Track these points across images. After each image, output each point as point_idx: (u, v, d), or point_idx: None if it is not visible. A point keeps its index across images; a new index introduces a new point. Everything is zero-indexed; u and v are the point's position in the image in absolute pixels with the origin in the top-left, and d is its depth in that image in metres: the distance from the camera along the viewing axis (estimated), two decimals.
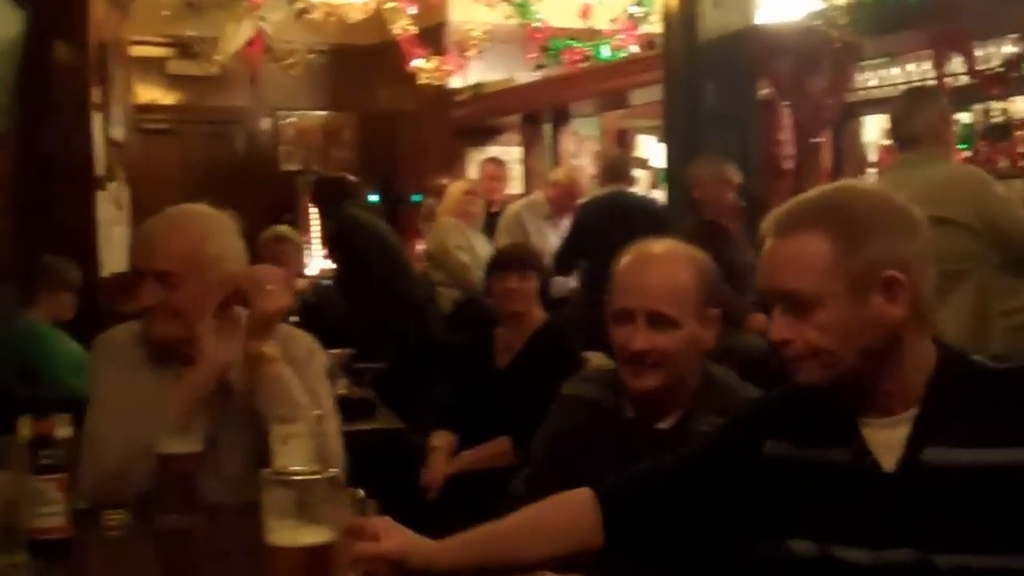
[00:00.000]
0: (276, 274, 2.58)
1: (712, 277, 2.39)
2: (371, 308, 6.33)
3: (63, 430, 2.35)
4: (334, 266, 7.20)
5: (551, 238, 7.04)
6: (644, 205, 6.78)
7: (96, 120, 6.99)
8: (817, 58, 6.08)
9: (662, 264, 2.36)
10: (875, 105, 7.06)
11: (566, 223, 7.09)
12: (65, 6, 6.67)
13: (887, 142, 6.78)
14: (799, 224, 1.75)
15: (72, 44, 6.78)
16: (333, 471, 1.66)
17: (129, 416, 2.51)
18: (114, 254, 7.28)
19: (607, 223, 6.09)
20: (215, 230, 2.64)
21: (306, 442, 2.23)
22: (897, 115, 4.43)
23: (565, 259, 6.62)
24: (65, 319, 5.55)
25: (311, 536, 1.62)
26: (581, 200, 7.15)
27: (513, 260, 4.49)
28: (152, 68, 10.10)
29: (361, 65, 10.83)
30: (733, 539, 1.89)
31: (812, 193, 1.83)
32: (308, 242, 8.40)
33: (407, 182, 10.57)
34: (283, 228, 7.01)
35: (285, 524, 1.61)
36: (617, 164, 6.99)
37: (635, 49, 8.46)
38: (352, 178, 7.54)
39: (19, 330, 5.37)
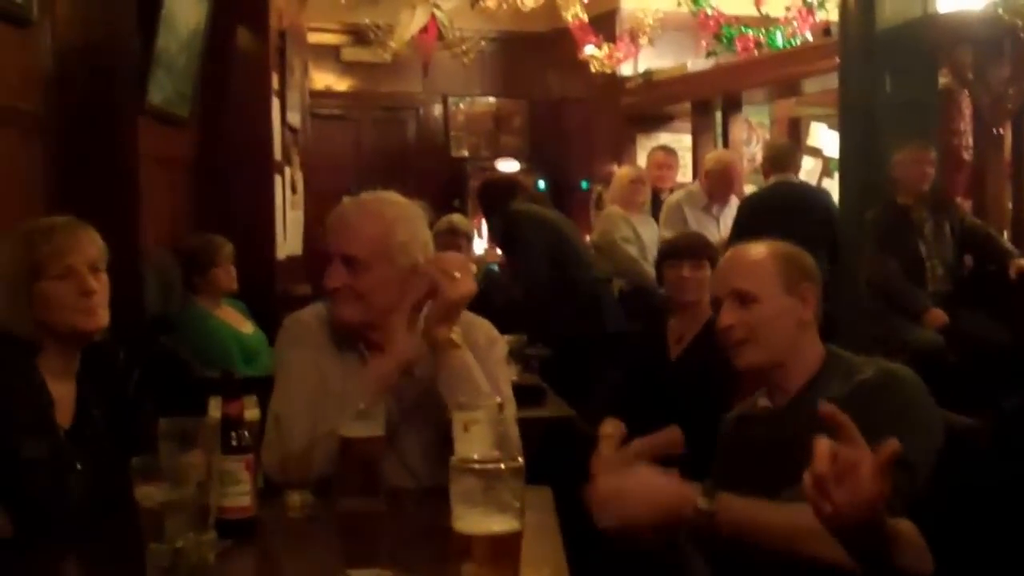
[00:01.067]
0: (462, 262, 2.60)
1: (799, 259, 2.48)
2: (544, 296, 6.31)
3: (251, 411, 2.40)
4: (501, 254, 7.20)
5: (710, 228, 6.89)
6: (810, 196, 6.61)
7: (274, 106, 7.14)
8: (999, 47, 5.88)
9: (742, 251, 2.51)
10: None
11: (728, 212, 6.98)
12: None
13: None
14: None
15: (253, 32, 6.94)
16: (519, 460, 1.65)
17: (314, 398, 2.55)
18: (290, 238, 7.44)
19: (771, 216, 5.95)
20: (405, 218, 2.67)
21: (487, 429, 2.24)
22: None
23: None
24: (228, 293, 5.60)
25: (499, 524, 1.62)
26: (746, 191, 7.04)
27: (686, 249, 4.44)
28: (327, 55, 10.30)
29: (532, 52, 10.86)
30: None
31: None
32: (478, 226, 8.45)
33: (575, 169, 10.57)
34: (457, 218, 7.05)
35: (473, 512, 1.62)
36: (782, 154, 6.80)
37: (809, 37, 8.30)
38: (518, 177, 7.54)
39: (190, 315, 5.48)
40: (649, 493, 2.05)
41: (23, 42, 4.37)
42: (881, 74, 5.62)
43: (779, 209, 6.10)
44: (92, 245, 2.61)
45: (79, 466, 2.43)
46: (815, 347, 2.41)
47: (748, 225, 6.10)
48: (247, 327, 5.56)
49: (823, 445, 1.66)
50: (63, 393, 2.54)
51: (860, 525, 1.69)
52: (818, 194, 6.88)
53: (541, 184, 9.72)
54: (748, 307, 2.39)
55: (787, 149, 7.11)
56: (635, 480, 2.08)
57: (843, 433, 1.68)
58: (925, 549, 1.87)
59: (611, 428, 4.18)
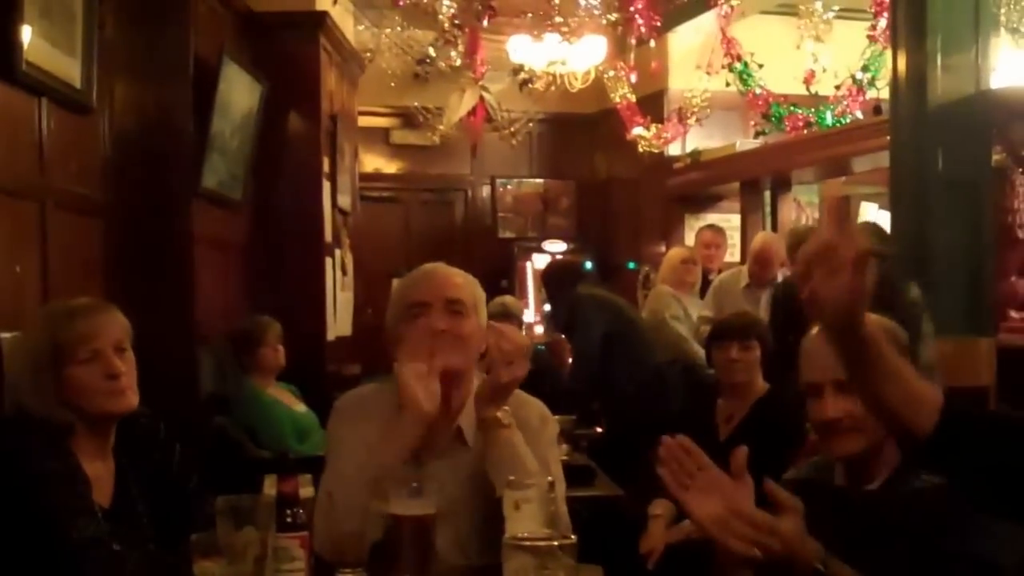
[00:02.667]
0: (522, 346, 2.61)
1: (897, 335, 2.38)
2: (595, 380, 6.32)
3: (306, 489, 2.42)
4: (563, 338, 7.22)
5: (750, 309, 6.81)
6: None
7: (325, 188, 7.24)
8: None
9: None
10: None
11: (767, 294, 6.96)
12: (300, 79, 6.96)
13: None
14: None
15: (305, 116, 7.06)
16: (571, 538, 1.65)
17: (359, 475, 2.56)
18: (340, 319, 7.50)
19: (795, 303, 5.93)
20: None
21: (538, 508, 2.23)
22: None
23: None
24: (278, 372, 5.66)
25: None
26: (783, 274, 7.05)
27: (735, 330, 4.44)
28: (377, 138, 10.43)
29: (580, 133, 10.95)
30: None
31: None
32: (526, 306, 8.48)
33: (623, 249, 10.60)
34: (510, 300, 7.11)
35: None
36: (803, 239, 6.83)
37: (859, 115, 8.31)
38: (583, 262, 7.61)
39: (245, 394, 5.54)
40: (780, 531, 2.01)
41: (83, 128, 4.49)
42: (933, 152, 5.59)
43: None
44: (116, 325, 2.63)
45: (116, 546, 2.44)
46: None
47: (780, 308, 6.05)
48: (299, 407, 5.61)
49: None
50: (101, 472, 2.55)
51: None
52: None
53: (588, 264, 9.76)
54: (852, 394, 2.26)
55: (808, 232, 7.20)
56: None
57: None
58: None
59: (660, 509, 4.17)
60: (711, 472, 2.12)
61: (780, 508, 2.03)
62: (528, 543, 1.64)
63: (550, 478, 2.42)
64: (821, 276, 1.75)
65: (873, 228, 7.21)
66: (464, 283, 2.73)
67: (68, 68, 4.20)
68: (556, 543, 1.64)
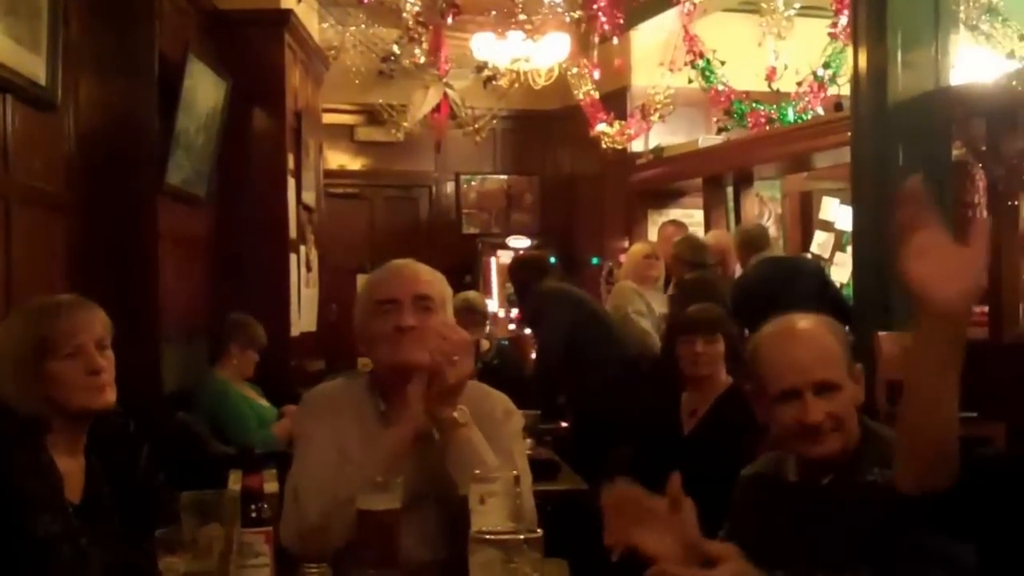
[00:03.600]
0: (463, 343, 2.62)
1: (845, 335, 2.44)
2: (558, 374, 6.35)
3: (270, 484, 2.43)
4: (528, 333, 7.25)
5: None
6: (799, 263, 6.77)
7: (290, 185, 7.23)
8: (1013, 118, 5.92)
9: (809, 335, 2.40)
10: None
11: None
12: (264, 77, 6.96)
13: None
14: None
15: (270, 113, 7.05)
16: (537, 532, 1.67)
17: (332, 470, 2.58)
18: (304, 315, 7.50)
19: (769, 290, 6.06)
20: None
21: (503, 501, 2.26)
22: None
23: None
24: (246, 376, 5.72)
25: None
26: (734, 275, 7.17)
27: (699, 323, 4.47)
28: (342, 134, 10.41)
29: (543, 129, 10.97)
30: None
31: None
32: (490, 300, 8.49)
33: (586, 244, 10.63)
34: (473, 295, 7.15)
35: None
36: (754, 236, 7.25)
37: (821, 111, 8.38)
38: (548, 256, 7.65)
39: (211, 387, 5.56)
40: None
41: (47, 125, 4.47)
42: (894, 147, 5.64)
43: (775, 280, 6.22)
44: (99, 323, 2.62)
45: (84, 541, 2.44)
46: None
47: (747, 306, 6.09)
48: (263, 402, 5.65)
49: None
50: (72, 468, 2.55)
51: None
52: (806, 261, 7.01)
53: (552, 260, 9.79)
54: (830, 397, 2.30)
55: (757, 230, 7.49)
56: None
57: None
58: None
59: (611, 498, 4.18)
60: (656, 508, 2.14)
61: (717, 559, 2.05)
62: (494, 537, 1.65)
63: (515, 472, 2.44)
64: (931, 263, 1.72)
65: (689, 241, 7.39)
66: (432, 279, 2.76)
67: (33, 65, 4.18)
68: (522, 537, 1.65)
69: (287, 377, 6.63)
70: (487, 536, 1.66)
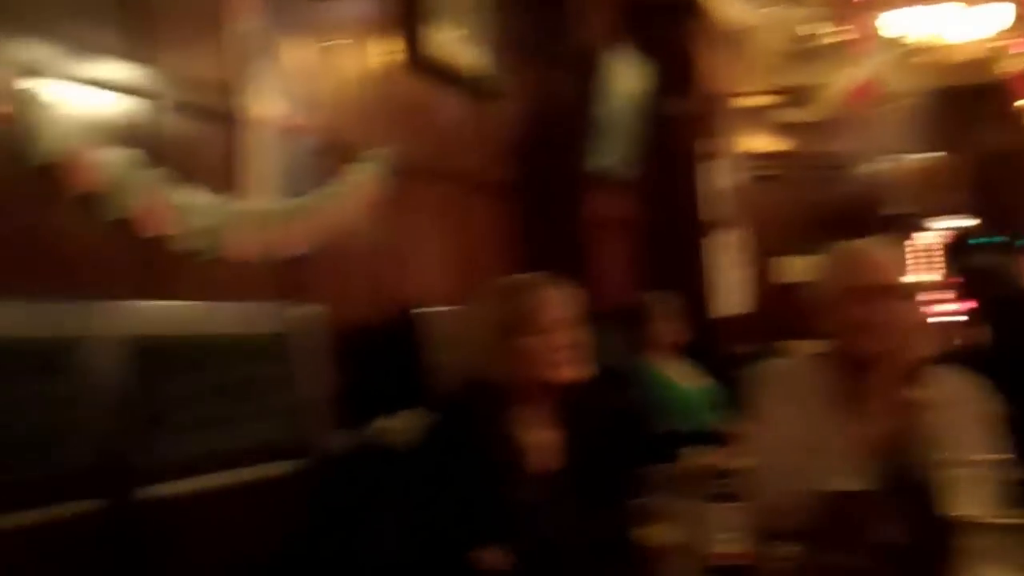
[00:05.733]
0: (923, 328, 2.57)
1: None
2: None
3: (735, 461, 2.45)
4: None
5: None
6: None
7: (705, 168, 7.26)
8: None
9: None
10: None
11: None
12: (677, 62, 6.98)
13: None
14: None
15: (683, 97, 7.08)
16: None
17: (787, 449, 2.57)
18: (732, 296, 7.49)
19: None
20: None
21: (980, 487, 2.17)
22: None
23: None
24: (673, 353, 5.67)
25: None
26: None
27: None
28: (759, 117, 10.33)
29: (965, 106, 10.47)
30: None
31: None
32: None
33: (1013, 221, 10.08)
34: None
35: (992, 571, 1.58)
36: None
37: None
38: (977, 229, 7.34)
39: (638, 369, 5.60)
40: None
41: (492, 114, 4.69)
42: None
43: None
44: (570, 300, 2.75)
45: (552, 510, 2.55)
46: None
47: None
48: (696, 382, 5.62)
49: None
50: (541, 440, 2.68)
51: None
52: None
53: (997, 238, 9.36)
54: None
55: None
56: None
57: None
58: None
59: None
60: None
61: None
62: (992, 520, 1.59)
63: (984, 455, 2.34)
64: None
65: None
66: (894, 267, 2.73)
67: (478, 58, 4.40)
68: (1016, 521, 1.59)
69: (715, 358, 6.60)
70: (984, 520, 1.60)
